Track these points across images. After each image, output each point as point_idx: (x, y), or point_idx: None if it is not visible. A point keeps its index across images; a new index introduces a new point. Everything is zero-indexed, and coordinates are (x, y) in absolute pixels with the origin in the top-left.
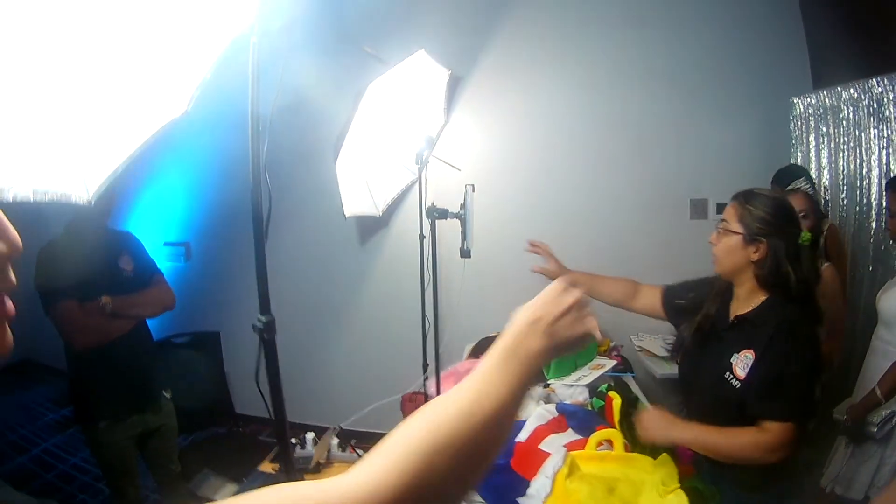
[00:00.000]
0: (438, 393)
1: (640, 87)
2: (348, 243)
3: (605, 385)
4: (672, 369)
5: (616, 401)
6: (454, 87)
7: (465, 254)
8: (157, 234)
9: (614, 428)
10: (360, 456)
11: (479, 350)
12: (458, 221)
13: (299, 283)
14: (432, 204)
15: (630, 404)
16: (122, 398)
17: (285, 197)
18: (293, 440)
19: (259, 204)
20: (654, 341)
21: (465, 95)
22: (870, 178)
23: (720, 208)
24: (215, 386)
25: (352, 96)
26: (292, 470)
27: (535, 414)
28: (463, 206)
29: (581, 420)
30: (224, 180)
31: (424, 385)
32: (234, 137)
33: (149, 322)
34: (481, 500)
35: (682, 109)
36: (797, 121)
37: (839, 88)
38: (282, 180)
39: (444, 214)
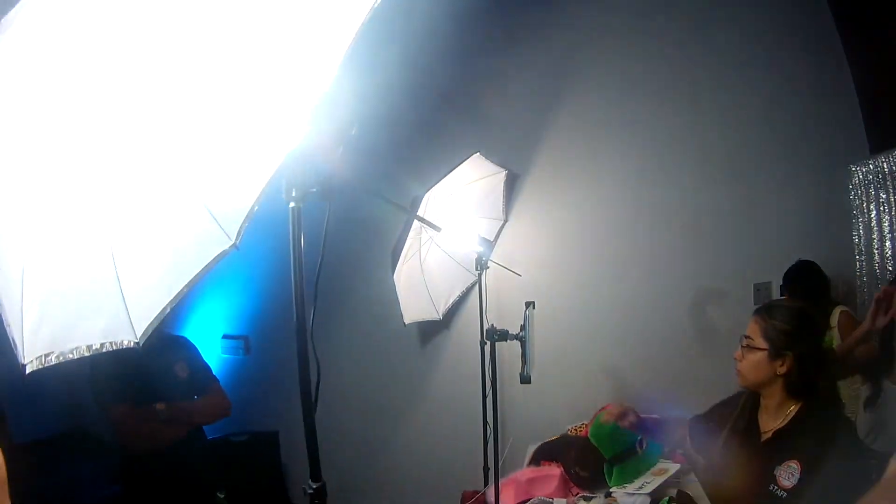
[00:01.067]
0: (497, 500)
1: (694, 172)
2: (410, 346)
3: (667, 498)
4: None
5: None
6: (511, 185)
7: (525, 380)
8: (217, 326)
9: None
10: None
11: (541, 453)
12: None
13: (361, 384)
14: (492, 325)
15: None
16: (174, 500)
17: (345, 302)
18: None
19: (306, 369)
20: None
21: (523, 194)
22: None
23: (783, 290)
24: (273, 485)
25: (407, 204)
26: None
27: None
28: (523, 328)
29: None
30: (285, 273)
31: (485, 491)
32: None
33: None
34: None
35: (736, 190)
36: (857, 189)
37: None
38: (342, 285)
39: (504, 336)
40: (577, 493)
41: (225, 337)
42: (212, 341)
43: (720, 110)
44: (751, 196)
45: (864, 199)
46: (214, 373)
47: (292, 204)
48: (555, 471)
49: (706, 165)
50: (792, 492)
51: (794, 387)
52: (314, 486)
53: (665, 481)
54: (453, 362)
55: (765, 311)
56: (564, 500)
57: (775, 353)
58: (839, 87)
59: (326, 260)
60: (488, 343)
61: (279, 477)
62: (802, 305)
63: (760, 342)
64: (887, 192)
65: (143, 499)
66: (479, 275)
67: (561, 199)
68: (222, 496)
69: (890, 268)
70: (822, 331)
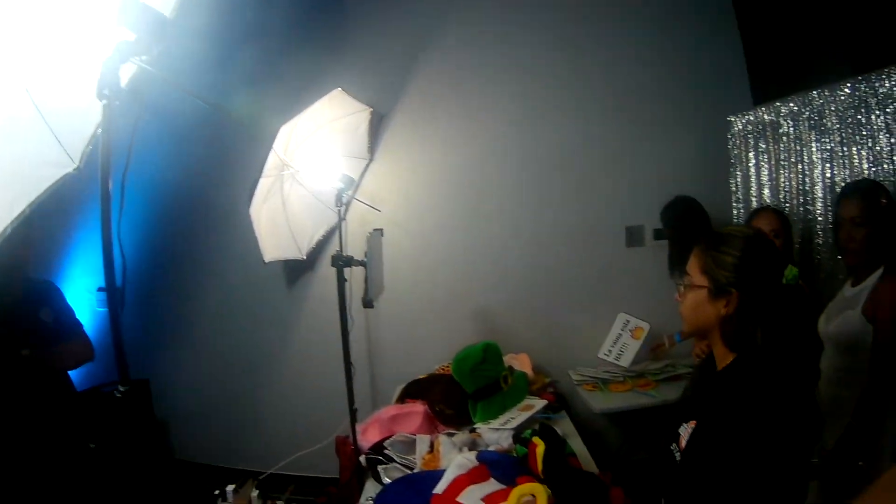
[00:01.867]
0: (355, 443)
1: (574, 115)
2: (275, 288)
3: (530, 430)
4: (611, 403)
5: (540, 447)
6: (378, 124)
7: (367, 304)
8: (90, 279)
9: (538, 476)
10: None
11: (408, 392)
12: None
13: (227, 329)
14: (337, 251)
15: (557, 449)
16: (43, 452)
17: (212, 248)
18: (215, 492)
19: (111, 271)
20: (594, 374)
21: (390, 133)
22: (813, 193)
23: (657, 234)
24: (147, 434)
25: (268, 139)
26: None
27: (455, 463)
28: (367, 254)
29: (504, 469)
30: (161, 224)
31: (353, 430)
32: (171, 181)
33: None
34: None
35: (617, 136)
36: (735, 139)
37: (778, 103)
38: (206, 230)
39: (348, 262)
40: (443, 430)
41: (99, 290)
42: (84, 294)
43: (604, 57)
44: (629, 142)
45: (742, 148)
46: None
47: (104, 102)
48: (418, 408)
49: (584, 110)
50: (682, 452)
51: (730, 335)
52: (122, 390)
53: (530, 417)
54: (319, 303)
55: (706, 241)
56: (428, 436)
57: (717, 291)
58: (727, 41)
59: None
60: (338, 270)
61: (155, 426)
62: (752, 229)
63: (700, 278)
64: (767, 142)
65: (8, 452)
66: (340, 211)
67: (431, 140)
68: (93, 446)
69: None
70: (780, 264)
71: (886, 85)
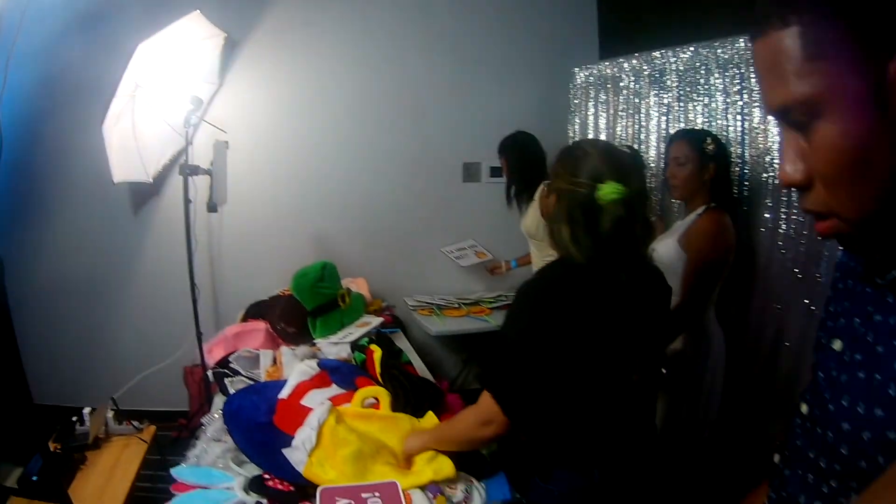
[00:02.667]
0: (203, 359)
1: (420, 53)
2: (120, 213)
3: (366, 339)
4: (447, 326)
5: (377, 353)
6: (230, 50)
7: (211, 208)
8: None
9: (376, 380)
10: (136, 428)
11: (250, 312)
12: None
13: (73, 256)
14: (185, 160)
15: (393, 357)
16: None
17: (60, 169)
18: (73, 418)
19: None
20: (429, 300)
21: (241, 60)
22: (648, 142)
23: (494, 171)
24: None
25: (126, 56)
26: None
27: (298, 370)
28: (213, 163)
29: (343, 374)
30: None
31: (200, 352)
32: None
33: None
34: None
35: (462, 76)
36: (577, 90)
37: (621, 60)
38: (55, 150)
39: (195, 170)
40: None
41: None
42: None
43: (456, 2)
44: (473, 82)
45: (583, 98)
46: None
47: None
48: (260, 325)
49: (432, 47)
50: None
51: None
52: None
53: (367, 332)
54: (163, 228)
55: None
56: (270, 351)
57: (550, 190)
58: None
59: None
60: (184, 178)
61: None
62: (580, 144)
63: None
64: (607, 94)
65: None
66: (188, 132)
67: (279, 69)
68: None
69: None
70: (591, 178)
71: (729, 51)
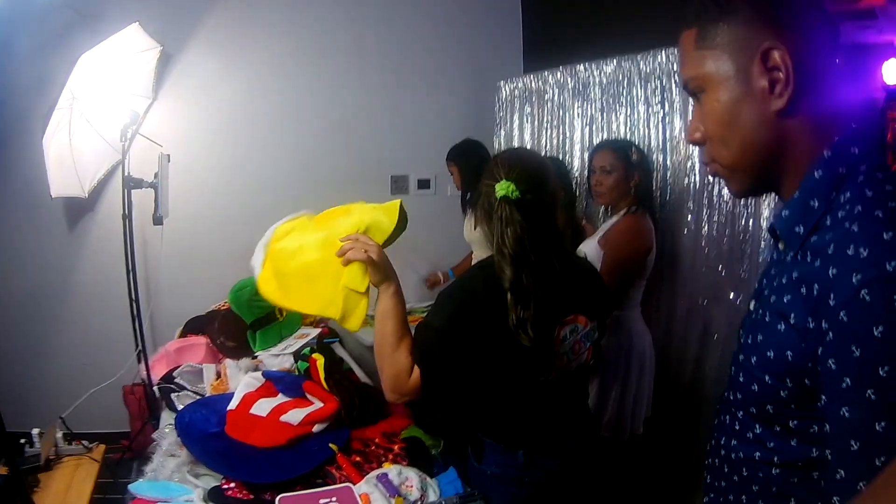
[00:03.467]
0: (149, 376)
1: (349, 67)
2: (56, 229)
3: (308, 349)
4: None
5: (320, 360)
6: (164, 64)
7: (157, 221)
8: None
9: (321, 386)
10: (86, 448)
11: (188, 328)
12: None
13: (6, 273)
14: (128, 174)
15: (334, 364)
16: None
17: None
18: (21, 440)
19: None
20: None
21: (175, 73)
22: (573, 152)
23: (421, 184)
24: None
25: (68, 66)
26: None
27: (244, 383)
28: (157, 176)
29: (288, 384)
30: None
31: (139, 372)
32: None
33: None
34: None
35: (389, 90)
36: (502, 103)
37: (546, 73)
38: None
39: (139, 184)
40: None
41: None
42: None
43: (383, 8)
44: (399, 96)
45: (508, 110)
46: None
47: None
48: (201, 340)
49: (361, 60)
50: None
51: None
52: None
53: (306, 342)
54: (100, 245)
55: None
56: (213, 365)
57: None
58: (508, 13)
59: None
60: (126, 192)
61: None
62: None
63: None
64: (532, 106)
65: None
66: (124, 146)
67: (214, 85)
68: None
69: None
70: (491, 178)
71: (651, 64)
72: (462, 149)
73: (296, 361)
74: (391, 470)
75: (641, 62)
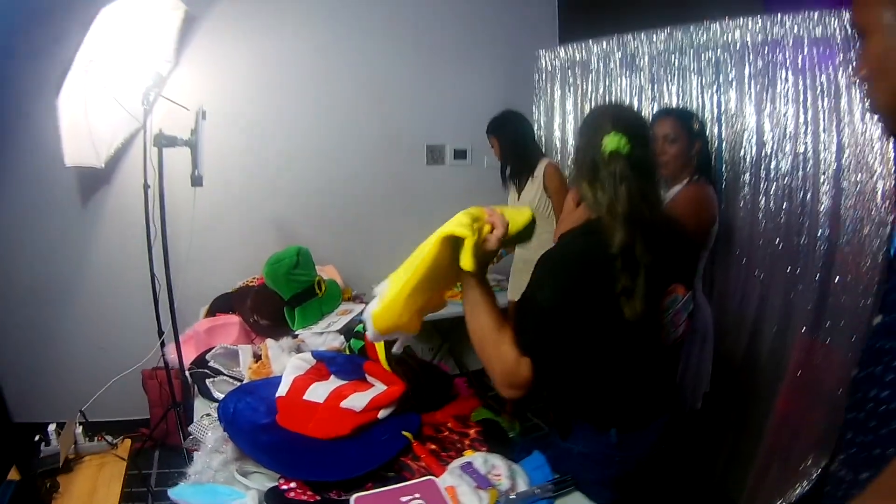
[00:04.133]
0: (181, 360)
1: (383, 35)
2: (68, 203)
3: (362, 325)
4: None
5: None
6: (188, 26)
7: (196, 181)
8: None
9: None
10: (110, 444)
11: (217, 306)
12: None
13: (15, 252)
14: (160, 131)
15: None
16: None
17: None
18: (35, 437)
19: None
20: None
21: (199, 37)
22: None
23: (457, 154)
24: None
25: (85, 21)
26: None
27: (291, 365)
28: (193, 133)
29: (342, 364)
30: None
31: (163, 355)
32: None
33: None
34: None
35: (426, 59)
36: (542, 73)
37: (591, 42)
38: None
39: (172, 142)
40: (259, 342)
41: None
42: None
43: None
44: (436, 66)
45: (548, 81)
46: None
47: None
48: (233, 319)
49: (397, 30)
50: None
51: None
52: None
53: (351, 319)
54: (118, 220)
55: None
56: (249, 346)
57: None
58: None
59: None
60: (156, 153)
61: None
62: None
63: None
64: (575, 77)
65: None
66: (147, 110)
67: (239, 50)
68: None
69: (569, 140)
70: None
71: (706, 35)
72: (503, 120)
73: (347, 340)
74: (475, 458)
75: (694, 33)
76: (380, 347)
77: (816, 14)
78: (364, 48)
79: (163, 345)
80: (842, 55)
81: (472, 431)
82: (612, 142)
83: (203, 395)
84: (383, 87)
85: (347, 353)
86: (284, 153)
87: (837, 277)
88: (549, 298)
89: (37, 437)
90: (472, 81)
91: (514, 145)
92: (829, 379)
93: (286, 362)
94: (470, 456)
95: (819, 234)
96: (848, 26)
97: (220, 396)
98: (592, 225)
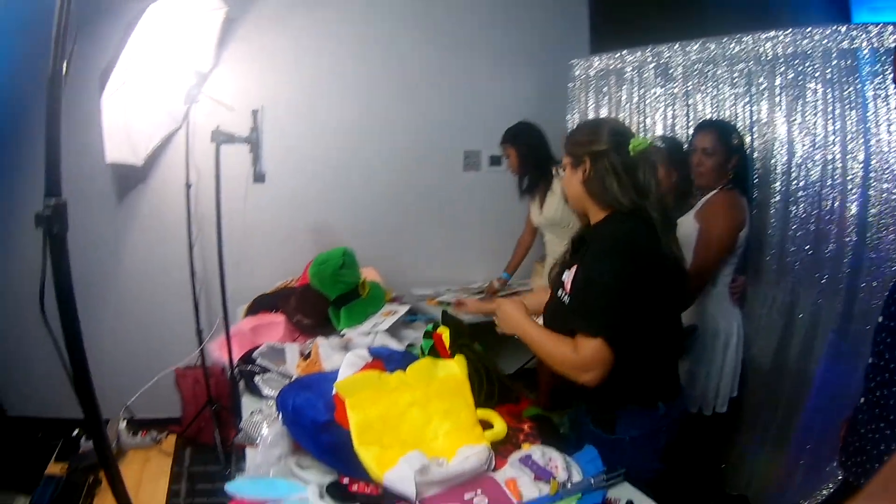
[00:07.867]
0: (231, 357)
1: (419, 42)
2: (105, 201)
3: (432, 325)
4: (468, 315)
5: (445, 333)
6: (227, 28)
7: (259, 178)
8: None
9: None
10: (155, 440)
11: (259, 305)
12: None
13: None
14: (217, 127)
15: (460, 336)
16: None
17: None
18: (74, 431)
19: None
20: (435, 293)
21: (238, 39)
22: (654, 131)
23: (493, 160)
24: None
25: (131, 20)
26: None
27: (347, 362)
28: (254, 129)
29: (398, 362)
30: None
31: (202, 355)
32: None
33: None
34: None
35: (462, 65)
36: (576, 81)
37: (625, 52)
38: (28, 114)
39: (230, 139)
40: (302, 341)
41: None
42: None
43: None
44: (472, 73)
45: (582, 90)
46: None
47: None
48: (278, 317)
49: (431, 41)
50: (569, 294)
51: (595, 193)
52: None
53: (396, 321)
54: (155, 219)
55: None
56: (296, 344)
57: (576, 164)
58: None
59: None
60: (214, 149)
61: None
62: (601, 119)
63: (566, 160)
64: (609, 86)
65: None
66: (189, 109)
67: (277, 55)
68: None
69: None
70: (623, 137)
71: (738, 47)
72: (519, 131)
73: (408, 347)
74: (534, 451)
75: (728, 44)
76: (446, 341)
77: (844, 28)
78: (399, 52)
79: (208, 342)
80: (868, 67)
81: (525, 426)
82: (640, 142)
83: (251, 392)
84: (421, 91)
85: (420, 354)
86: (321, 158)
87: (864, 283)
88: (610, 279)
89: (75, 431)
90: (507, 88)
91: (531, 155)
92: (856, 385)
93: (338, 360)
94: (528, 449)
95: (847, 240)
96: (874, 40)
97: (270, 393)
98: (621, 215)
